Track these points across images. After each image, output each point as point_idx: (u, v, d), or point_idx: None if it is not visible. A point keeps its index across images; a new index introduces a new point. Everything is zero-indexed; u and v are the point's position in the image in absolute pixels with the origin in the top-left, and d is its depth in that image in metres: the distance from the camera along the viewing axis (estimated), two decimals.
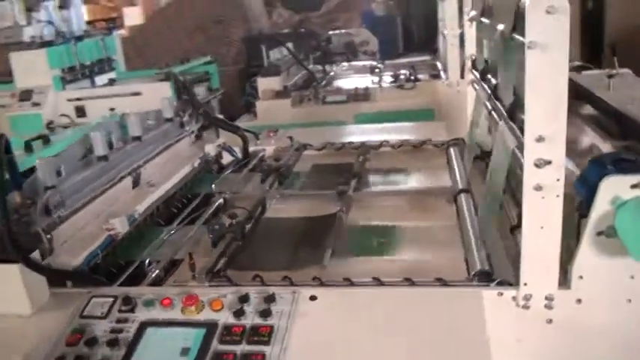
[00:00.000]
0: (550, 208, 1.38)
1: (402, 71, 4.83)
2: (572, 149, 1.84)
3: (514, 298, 1.49)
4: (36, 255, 1.64)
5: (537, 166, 1.35)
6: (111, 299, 1.61)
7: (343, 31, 7.32)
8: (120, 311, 1.57)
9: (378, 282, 1.62)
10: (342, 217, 2.08)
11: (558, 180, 1.36)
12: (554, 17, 1.24)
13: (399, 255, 1.90)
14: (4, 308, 1.59)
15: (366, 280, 1.64)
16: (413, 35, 8.14)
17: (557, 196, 1.37)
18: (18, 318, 1.58)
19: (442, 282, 1.60)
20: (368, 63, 5.84)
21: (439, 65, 5.04)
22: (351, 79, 5.41)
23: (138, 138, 2.49)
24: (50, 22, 5.03)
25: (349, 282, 1.63)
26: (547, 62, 1.27)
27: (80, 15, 5.28)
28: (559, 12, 1.24)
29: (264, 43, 5.07)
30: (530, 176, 1.37)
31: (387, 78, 4.91)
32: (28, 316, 1.58)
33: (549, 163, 1.35)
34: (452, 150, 2.72)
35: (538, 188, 1.37)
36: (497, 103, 1.95)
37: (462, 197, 2.16)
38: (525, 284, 1.46)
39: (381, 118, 3.94)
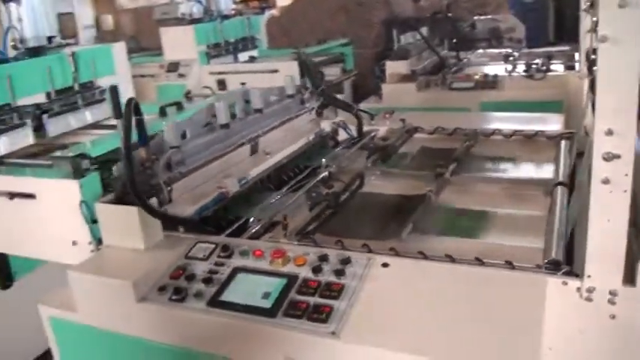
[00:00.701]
0: (617, 202, 1.39)
1: (536, 61, 4.69)
2: None
3: (578, 289, 1.51)
4: (155, 202, 1.94)
5: (606, 159, 1.37)
6: (213, 246, 1.88)
7: (489, 16, 7.12)
8: (219, 256, 1.83)
9: (449, 259, 1.72)
10: (430, 197, 2.18)
11: (627, 175, 1.36)
12: (627, 11, 1.25)
13: (478, 238, 1.97)
14: (123, 242, 1.92)
15: (438, 256, 1.74)
16: (565, 23, 7.73)
17: (625, 191, 1.37)
18: (133, 251, 1.89)
19: (511, 266, 1.66)
20: (504, 51, 5.69)
21: (576, 56, 4.82)
22: (483, 66, 5.32)
23: (259, 110, 2.72)
24: (199, 1, 5.50)
25: (422, 255, 1.74)
26: (618, 56, 1.28)
27: None
28: (631, 6, 1.24)
29: (398, 26, 5.14)
30: (599, 169, 1.39)
31: (522, 67, 4.78)
32: (142, 251, 1.89)
33: (618, 157, 1.36)
34: (562, 142, 2.68)
35: (606, 182, 1.39)
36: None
37: (558, 190, 2.15)
38: (589, 276, 1.48)
39: (507, 107, 3.88)
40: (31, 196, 2.26)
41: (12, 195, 2.30)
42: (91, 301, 1.83)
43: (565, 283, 1.54)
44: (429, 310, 1.54)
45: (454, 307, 1.54)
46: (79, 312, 1.86)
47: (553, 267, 1.64)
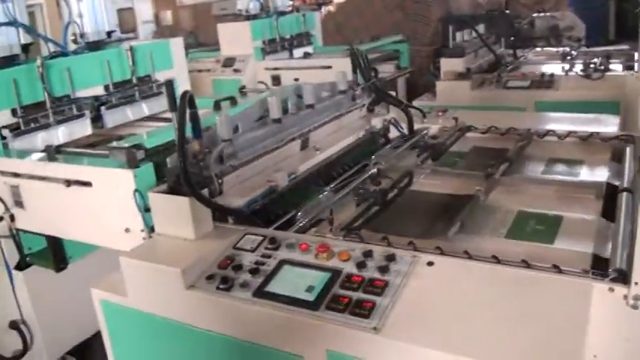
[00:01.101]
0: None
1: (594, 60, 4.56)
2: None
3: (625, 297, 1.48)
4: (205, 193, 1.99)
5: None
6: (261, 237, 1.92)
7: (548, 14, 6.95)
8: (266, 248, 1.86)
9: (495, 260, 1.70)
10: (479, 197, 2.16)
11: None
12: None
13: (525, 240, 1.94)
14: (174, 232, 1.98)
15: (484, 256, 1.72)
16: (627, 21, 7.48)
17: None
18: (184, 241, 1.95)
19: (557, 269, 1.63)
20: (562, 49, 5.55)
21: (636, 56, 4.65)
22: (540, 65, 5.20)
23: (311, 106, 2.73)
24: None
25: (468, 255, 1.73)
26: None
27: None
28: None
29: (454, 23, 5.08)
30: None
31: (579, 66, 4.66)
32: (192, 240, 1.95)
33: None
34: (622, 146, 2.60)
35: None
36: None
37: (624, 196, 2.05)
38: (636, 283, 1.44)
39: (563, 108, 3.80)
40: (87, 183, 2.36)
41: (69, 182, 2.41)
42: (141, 286, 1.90)
43: (611, 290, 1.50)
44: (473, 311, 1.53)
45: (498, 309, 1.52)
46: (130, 296, 1.93)
47: (601, 273, 1.60)
